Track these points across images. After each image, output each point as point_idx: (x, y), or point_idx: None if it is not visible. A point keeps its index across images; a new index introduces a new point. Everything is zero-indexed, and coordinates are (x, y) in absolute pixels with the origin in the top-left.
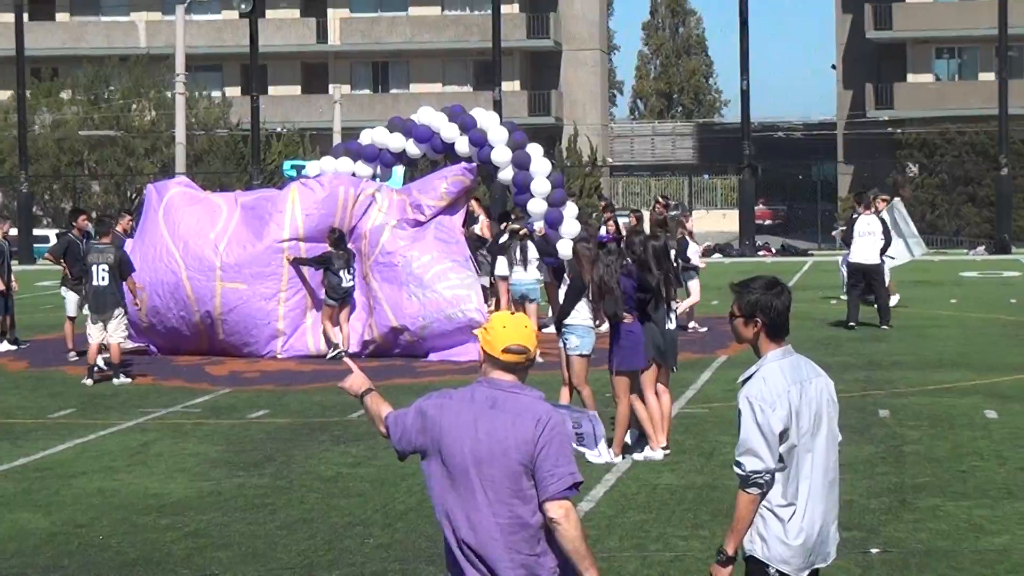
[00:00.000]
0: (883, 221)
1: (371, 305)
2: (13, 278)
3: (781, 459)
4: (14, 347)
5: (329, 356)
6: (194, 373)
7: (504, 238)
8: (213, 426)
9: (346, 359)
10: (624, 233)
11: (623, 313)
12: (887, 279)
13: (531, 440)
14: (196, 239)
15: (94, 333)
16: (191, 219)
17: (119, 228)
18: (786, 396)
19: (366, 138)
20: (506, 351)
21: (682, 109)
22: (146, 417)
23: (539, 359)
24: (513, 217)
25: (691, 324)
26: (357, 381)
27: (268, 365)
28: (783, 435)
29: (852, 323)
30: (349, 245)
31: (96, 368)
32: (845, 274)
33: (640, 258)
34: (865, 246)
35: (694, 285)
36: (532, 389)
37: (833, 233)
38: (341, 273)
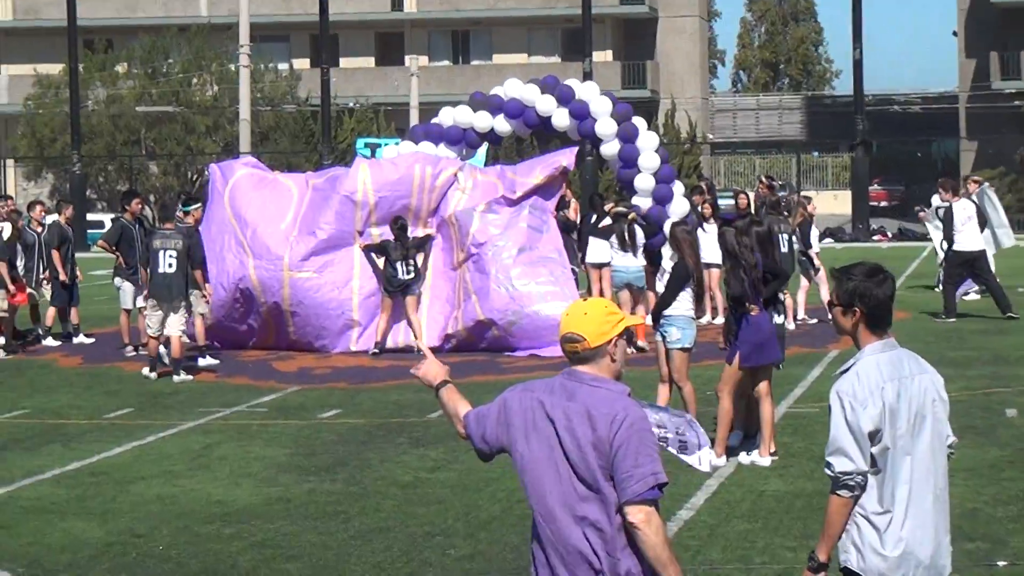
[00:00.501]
0: (976, 204)
1: (459, 297)
2: (77, 268)
3: (874, 461)
4: (89, 340)
5: (371, 353)
6: (260, 370)
7: (606, 221)
8: (281, 427)
9: (421, 346)
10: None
11: (751, 302)
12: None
13: (606, 439)
14: (266, 226)
15: (152, 322)
16: (260, 203)
17: (191, 219)
18: (879, 393)
19: (447, 118)
20: (562, 340)
21: (789, 81)
22: (209, 417)
23: (642, 345)
24: (616, 199)
25: (800, 315)
26: (432, 370)
27: (341, 360)
28: (875, 436)
29: (951, 317)
30: (430, 229)
31: (159, 362)
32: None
33: (735, 246)
34: (969, 233)
35: (819, 275)
36: (616, 383)
37: (920, 214)
38: (398, 265)
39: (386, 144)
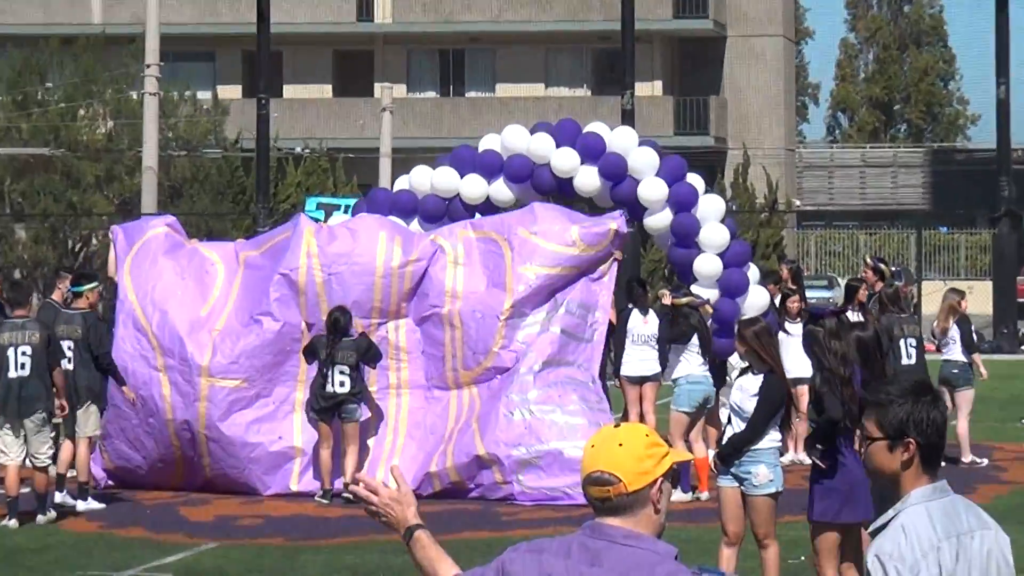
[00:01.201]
0: None
1: (452, 425)
2: None
3: None
4: None
5: (316, 498)
6: (164, 517)
7: (646, 318)
8: None
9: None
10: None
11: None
12: None
13: None
14: (179, 310)
15: (9, 448)
16: (171, 278)
17: (84, 302)
18: (935, 555)
19: (421, 181)
20: (587, 482)
21: (907, 127)
22: None
23: (702, 496)
24: (671, 287)
25: (967, 456)
26: (398, 505)
27: (276, 506)
28: None
29: None
30: (409, 318)
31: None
32: None
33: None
34: None
35: (964, 395)
36: (659, 542)
37: None
38: (327, 372)
39: (346, 206)
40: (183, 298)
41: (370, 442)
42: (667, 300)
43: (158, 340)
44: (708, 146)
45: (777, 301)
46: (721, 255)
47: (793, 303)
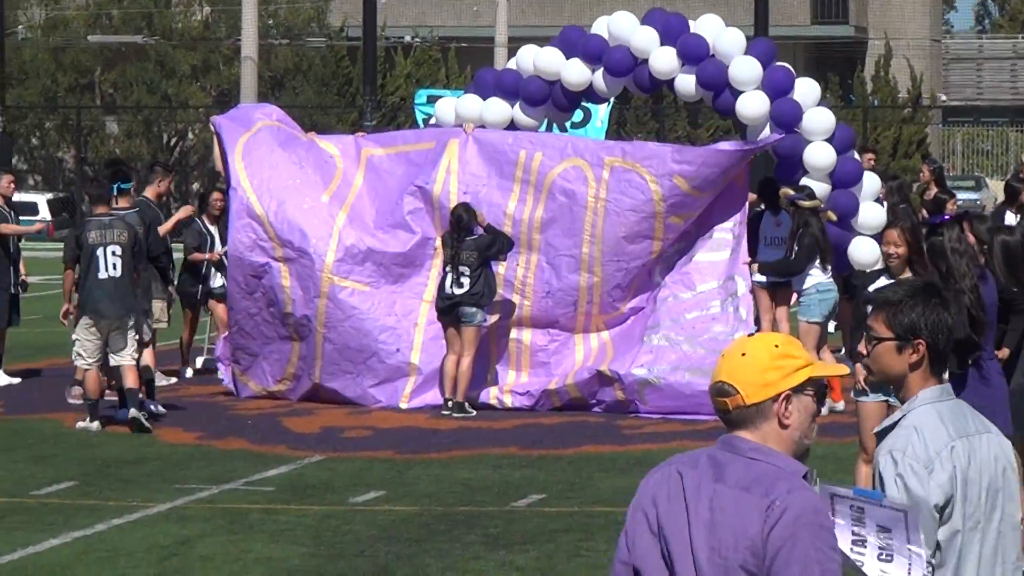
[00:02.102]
0: None
1: (581, 337)
2: (22, 265)
3: (938, 548)
4: (12, 380)
5: (443, 411)
6: (266, 428)
7: (775, 216)
8: (294, 515)
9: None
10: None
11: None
12: None
13: (757, 534)
14: (297, 197)
15: (89, 353)
16: (289, 167)
17: (151, 192)
18: (948, 453)
19: (527, 61)
20: (711, 392)
21: None
22: (187, 498)
23: (837, 406)
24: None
25: None
26: None
27: (385, 419)
28: (943, 512)
29: None
30: (540, 254)
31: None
32: None
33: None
34: None
35: None
36: (787, 458)
37: None
38: (447, 271)
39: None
40: (302, 187)
41: (497, 366)
42: (784, 194)
43: (275, 230)
44: (847, 36)
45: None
46: (829, 174)
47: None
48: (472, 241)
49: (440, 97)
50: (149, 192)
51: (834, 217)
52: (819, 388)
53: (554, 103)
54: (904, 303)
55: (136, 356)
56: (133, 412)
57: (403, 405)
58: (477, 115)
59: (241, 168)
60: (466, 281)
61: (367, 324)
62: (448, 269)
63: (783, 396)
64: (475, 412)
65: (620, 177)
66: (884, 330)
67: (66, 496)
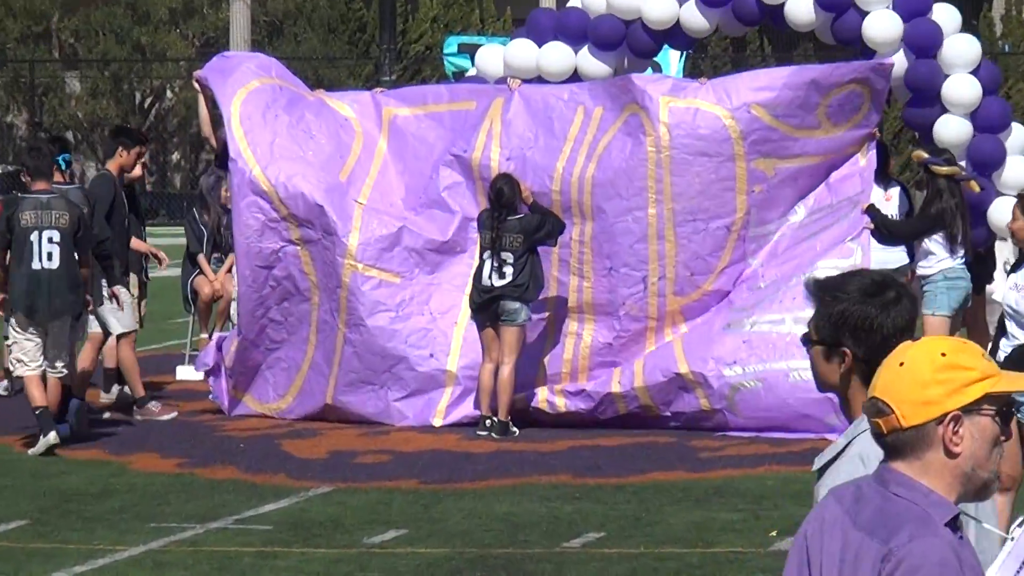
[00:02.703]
0: None
1: (651, 330)
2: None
3: None
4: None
5: (479, 432)
6: (262, 454)
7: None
8: (297, 559)
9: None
10: None
11: None
12: None
13: None
14: (310, 171)
15: (30, 355)
16: (297, 134)
17: (114, 165)
18: None
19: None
20: (864, 409)
21: None
22: (165, 539)
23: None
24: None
25: None
26: None
27: (407, 440)
28: None
29: None
30: (597, 222)
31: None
32: None
33: None
34: None
35: None
36: (935, 494)
37: None
38: (485, 259)
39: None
40: (315, 160)
41: (546, 361)
42: (918, 156)
43: (288, 208)
44: None
45: None
46: (970, 115)
47: None
48: (516, 221)
49: (475, 45)
50: (112, 165)
51: (978, 188)
52: (1003, 406)
53: (631, 47)
54: (837, 300)
55: (68, 368)
56: (51, 437)
57: (437, 422)
58: (532, 65)
59: (240, 134)
60: (508, 271)
61: (396, 323)
62: (487, 256)
63: (950, 417)
64: (518, 432)
65: (682, 117)
66: (813, 331)
67: (17, 538)
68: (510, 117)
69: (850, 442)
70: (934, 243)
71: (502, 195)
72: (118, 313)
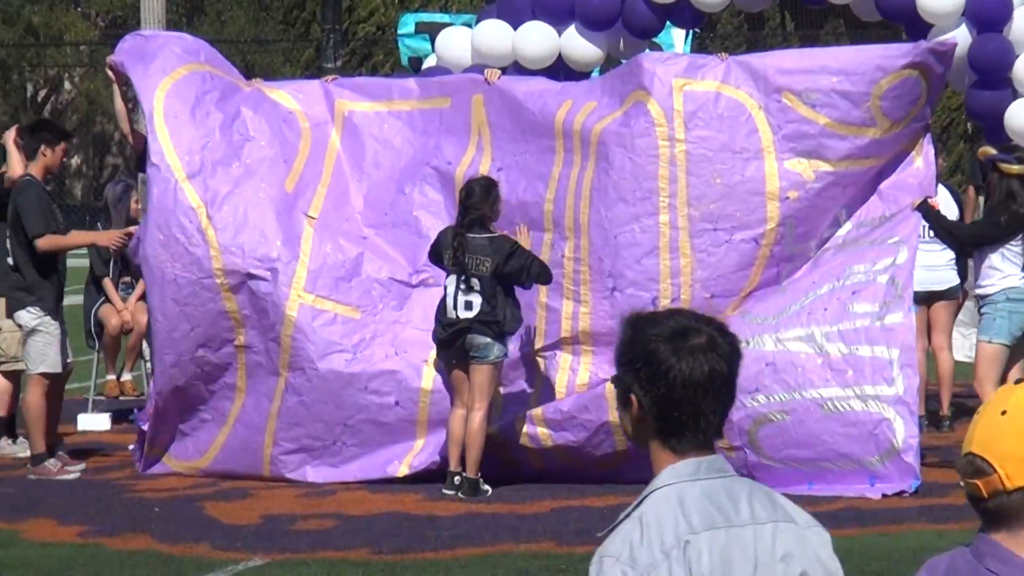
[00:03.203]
0: None
1: None
2: None
3: None
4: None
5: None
6: (180, 519)
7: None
8: None
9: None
10: None
11: None
12: None
13: None
14: (250, 182)
15: None
16: (233, 136)
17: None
18: (680, 553)
19: None
20: (957, 469)
21: None
22: None
23: None
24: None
25: None
26: None
27: (354, 501)
28: None
29: None
30: (594, 233)
31: None
32: None
33: None
34: None
35: None
36: None
37: None
38: (450, 285)
39: (464, 24)
40: (255, 167)
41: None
42: (984, 153)
43: (217, 228)
44: None
45: None
46: None
47: None
48: (484, 241)
49: (437, 25)
50: (35, 168)
51: None
52: None
53: (627, 25)
54: (633, 334)
55: None
56: None
57: (402, 471)
58: (507, 50)
59: (165, 134)
60: (476, 299)
61: (353, 365)
62: (450, 280)
63: None
64: (490, 491)
65: (701, 102)
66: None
67: None
68: (494, 120)
69: (640, 502)
70: (1000, 256)
71: (471, 195)
72: (45, 348)
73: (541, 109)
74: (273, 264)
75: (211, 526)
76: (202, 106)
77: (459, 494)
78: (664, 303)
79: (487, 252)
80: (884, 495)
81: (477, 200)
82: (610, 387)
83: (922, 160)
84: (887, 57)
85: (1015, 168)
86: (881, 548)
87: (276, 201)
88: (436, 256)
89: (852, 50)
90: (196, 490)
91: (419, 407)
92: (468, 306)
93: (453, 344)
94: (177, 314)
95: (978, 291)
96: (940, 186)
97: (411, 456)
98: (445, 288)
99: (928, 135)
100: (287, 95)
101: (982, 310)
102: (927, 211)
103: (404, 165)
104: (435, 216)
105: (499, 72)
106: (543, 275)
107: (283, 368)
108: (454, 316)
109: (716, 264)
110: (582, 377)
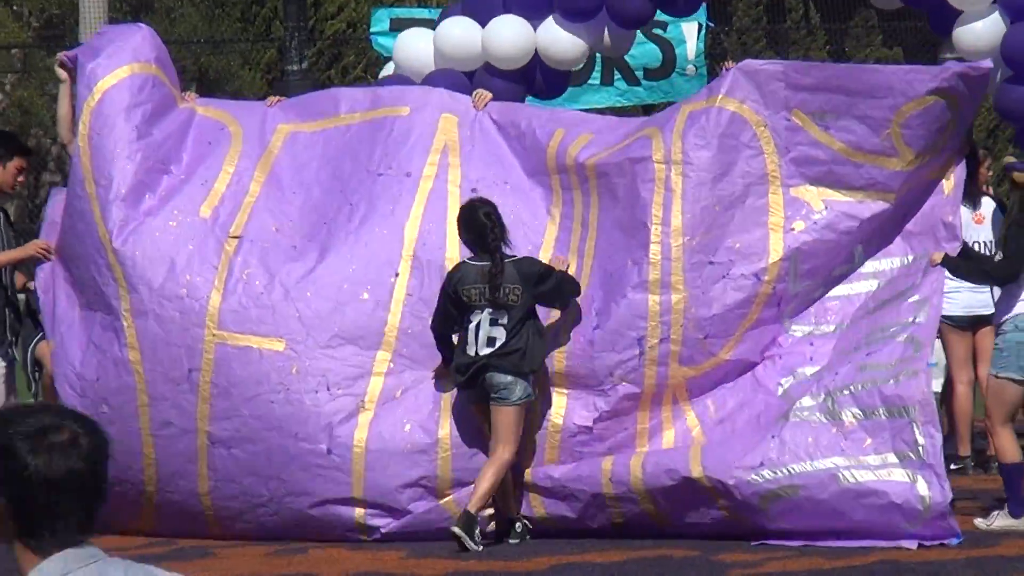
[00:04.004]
0: None
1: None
2: None
3: None
4: None
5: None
6: None
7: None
8: None
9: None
10: None
11: None
12: None
13: None
14: (165, 209)
15: None
16: (154, 167)
17: None
18: None
19: None
20: None
21: None
22: None
23: None
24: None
25: None
26: None
27: (333, 560)
28: None
29: None
30: (581, 263)
31: None
32: None
33: None
34: None
35: None
36: None
37: None
38: (471, 323)
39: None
40: (170, 193)
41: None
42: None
43: (124, 264)
44: None
45: None
46: None
47: None
48: (511, 268)
49: (410, 20)
50: None
51: None
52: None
53: (612, 13)
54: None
55: None
56: None
57: (366, 537)
58: (475, 50)
59: (87, 152)
60: (500, 333)
61: (281, 408)
62: (475, 316)
63: None
64: (480, 548)
65: (700, 118)
66: None
67: None
68: (466, 141)
69: None
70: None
71: (485, 229)
72: None
73: (529, 143)
74: (182, 302)
75: None
76: (130, 120)
77: (523, 539)
78: (651, 343)
79: (515, 279)
80: (922, 545)
81: (495, 224)
82: (607, 460)
83: (952, 189)
84: (912, 81)
85: None
86: None
87: (188, 229)
88: (451, 299)
89: (873, 69)
90: (148, 548)
91: (352, 457)
92: (491, 342)
93: (473, 384)
94: (80, 360)
95: (996, 317)
96: (986, 198)
97: (358, 519)
98: (467, 327)
99: (961, 158)
100: (222, 112)
101: (996, 341)
102: (954, 266)
103: (347, 178)
104: (386, 228)
105: (489, 96)
106: (575, 289)
107: (202, 421)
108: (472, 354)
109: (711, 302)
110: (554, 422)
